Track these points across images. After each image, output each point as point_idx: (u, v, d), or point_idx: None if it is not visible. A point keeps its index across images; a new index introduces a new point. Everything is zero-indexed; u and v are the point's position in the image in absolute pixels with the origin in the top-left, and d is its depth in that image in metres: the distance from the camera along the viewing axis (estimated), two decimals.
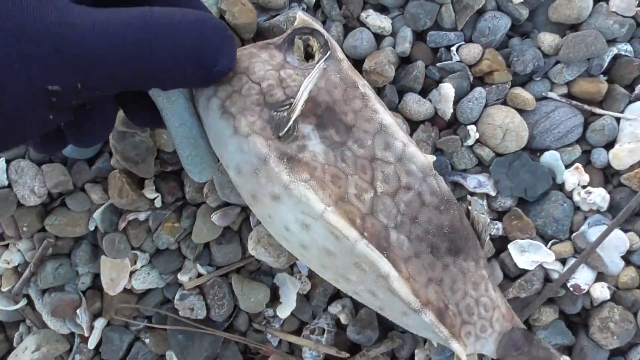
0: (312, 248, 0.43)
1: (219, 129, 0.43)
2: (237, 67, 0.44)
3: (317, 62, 0.44)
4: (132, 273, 0.59)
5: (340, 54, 0.46)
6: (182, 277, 0.59)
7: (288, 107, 0.42)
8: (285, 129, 0.41)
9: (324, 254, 0.43)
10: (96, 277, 0.61)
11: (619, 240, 0.53)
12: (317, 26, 0.45)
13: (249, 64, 0.44)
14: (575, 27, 0.54)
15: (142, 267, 0.59)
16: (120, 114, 0.53)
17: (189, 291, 0.59)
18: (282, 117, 0.42)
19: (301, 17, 0.46)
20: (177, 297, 0.58)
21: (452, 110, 0.54)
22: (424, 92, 0.56)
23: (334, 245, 0.42)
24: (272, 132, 0.42)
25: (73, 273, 0.60)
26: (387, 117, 0.45)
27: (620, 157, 0.53)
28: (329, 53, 0.44)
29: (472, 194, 0.55)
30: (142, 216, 0.58)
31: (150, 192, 0.56)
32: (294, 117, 0.41)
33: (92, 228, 0.58)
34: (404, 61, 0.56)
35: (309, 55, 0.45)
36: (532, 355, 0.47)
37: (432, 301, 0.44)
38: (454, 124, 0.56)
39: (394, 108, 0.55)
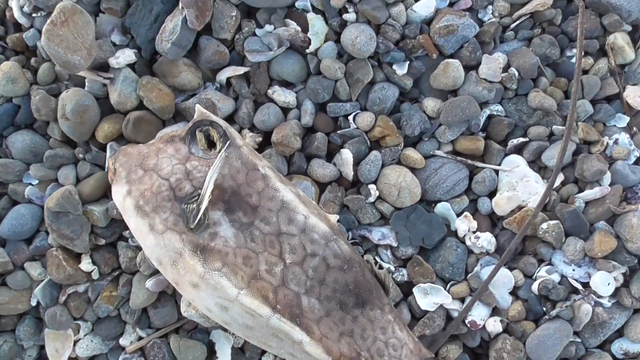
0: (233, 324, 0.49)
1: (136, 226, 0.48)
2: (147, 165, 0.49)
3: (219, 152, 0.49)
4: (76, 342, 0.62)
5: (240, 141, 0.51)
6: (124, 342, 0.63)
7: (197, 198, 0.47)
8: (196, 221, 0.47)
9: (244, 328, 0.49)
10: (42, 348, 0.64)
11: (506, 278, 0.59)
12: (215, 118, 0.51)
13: (157, 161, 0.49)
14: (454, 92, 0.61)
15: (85, 335, 0.63)
16: (55, 195, 0.58)
17: (131, 354, 0.63)
18: (192, 209, 0.47)
19: (200, 109, 0.52)
20: None
21: (353, 172, 0.60)
22: (330, 156, 0.62)
23: (251, 321, 0.48)
24: (184, 225, 0.47)
25: (19, 348, 0.63)
26: (287, 194, 0.51)
27: (500, 204, 0.60)
28: (228, 142, 0.50)
29: (377, 245, 0.61)
30: (81, 288, 0.61)
31: (87, 266, 0.60)
32: (202, 208, 0.46)
33: (34, 303, 0.61)
34: (310, 130, 0.62)
35: (211, 144, 0.51)
36: None
37: (344, 353, 0.50)
38: (357, 184, 0.62)
39: (303, 172, 0.61)
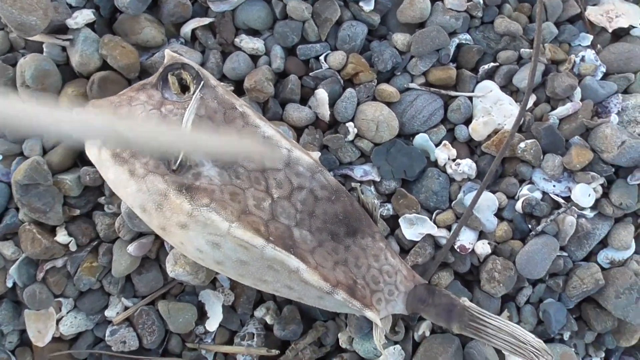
0: (226, 262, 0.48)
1: (115, 175, 0.46)
2: (120, 114, 0.47)
3: (193, 93, 0.48)
4: (58, 320, 0.60)
5: (214, 81, 0.50)
6: (110, 313, 0.60)
7: None
8: (178, 162, 0.45)
9: (238, 264, 0.48)
10: (23, 332, 0.61)
11: (489, 201, 0.60)
12: (186, 60, 0.50)
13: (130, 109, 0.47)
14: (422, 25, 0.62)
15: (67, 312, 0.60)
16: (22, 167, 0.55)
17: (119, 325, 0.61)
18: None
19: (169, 53, 0.50)
20: (107, 333, 0.60)
21: (329, 112, 0.59)
22: (305, 100, 0.62)
23: (245, 255, 0.47)
24: (165, 167, 0.46)
25: None
26: (268, 129, 0.50)
27: (477, 130, 0.61)
28: (202, 82, 0.49)
29: (361, 182, 0.61)
30: (59, 263, 0.59)
31: (63, 238, 0.58)
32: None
33: (10, 285, 0.59)
34: (281, 76, 0.61)
35: (184, 88, 0.50)
36: (436, 303, 0.53)
37: (341, 281, 0.49)
38: (334, 124, 0.61)
39: (279, 118, 0.60)
